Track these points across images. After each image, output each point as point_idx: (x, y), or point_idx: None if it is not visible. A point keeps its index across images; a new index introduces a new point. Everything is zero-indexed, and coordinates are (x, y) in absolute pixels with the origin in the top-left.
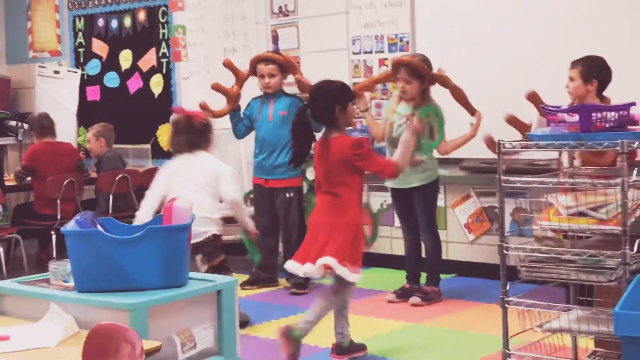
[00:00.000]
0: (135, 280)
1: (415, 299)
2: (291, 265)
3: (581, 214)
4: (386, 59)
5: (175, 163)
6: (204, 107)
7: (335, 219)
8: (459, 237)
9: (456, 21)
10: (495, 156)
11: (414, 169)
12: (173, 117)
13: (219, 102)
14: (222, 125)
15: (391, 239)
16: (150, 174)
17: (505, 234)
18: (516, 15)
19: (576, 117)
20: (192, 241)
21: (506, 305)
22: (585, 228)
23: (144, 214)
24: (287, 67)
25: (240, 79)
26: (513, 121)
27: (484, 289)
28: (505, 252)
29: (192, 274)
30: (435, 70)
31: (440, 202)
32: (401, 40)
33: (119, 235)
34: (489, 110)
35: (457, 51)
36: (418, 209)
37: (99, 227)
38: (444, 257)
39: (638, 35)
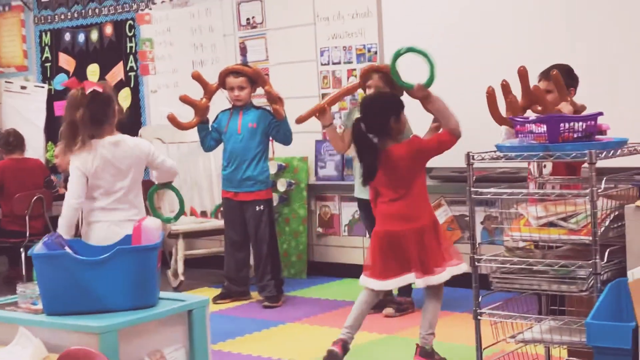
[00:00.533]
0: (105, 302)
1: (388, 310)
2: (397, 282)
3: (551, 224)
4: (354, 69)
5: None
6: (171, 119)
7: (423, 221)
8: None
9: (423, 31)
10: (464, 165)
11: None
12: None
13: (187, 115)
14: (191, 138)
15: (364, 249)
16: None
17: (477, 245)
18: (482, 26)
19: (544, 128)
20: None
21: (479, 317)
22: (556, 239)
23: None
24: (256, 79)
25: (209, 92)
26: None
27: (456, 298)
28: (477, 263)
29: (162, 294)
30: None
31: None
32: (369, 50)
33: (88, 256)
34: (461, 115)
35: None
36: None
37: (67, 249)
38: None
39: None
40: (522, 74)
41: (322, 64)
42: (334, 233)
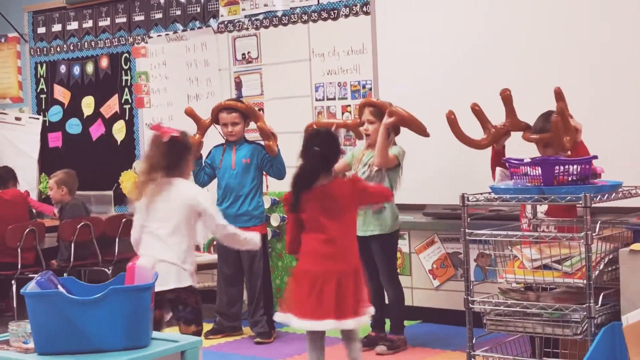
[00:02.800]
0: (97, 342)
1: (381, 348)
2: (323, 324)
3: (546, 266)
4: (349, 105)
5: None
6: None
7: (351, 264)
8: (423, 283)
9: (418, 68)
10: (458, 202)
11: (374, 216)
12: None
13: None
14: None
15: None
16: (113, 221)
17: (471, 286)
18: (478, 62)
19: (539, 170)
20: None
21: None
22: (550, 282)
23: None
24: (249, 114)
25: (202, 128)
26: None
27: (450, 336)
28: (471, 305)
29: (154, 333)
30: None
31: (404, 248)
32: (364, 87)
33: (80, 294)
34: (455, 153)
35: (421, 98)
36: (378, 258)
37: (60, 288)
38: (408, 303)
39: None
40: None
41: (316, 100)
42: None
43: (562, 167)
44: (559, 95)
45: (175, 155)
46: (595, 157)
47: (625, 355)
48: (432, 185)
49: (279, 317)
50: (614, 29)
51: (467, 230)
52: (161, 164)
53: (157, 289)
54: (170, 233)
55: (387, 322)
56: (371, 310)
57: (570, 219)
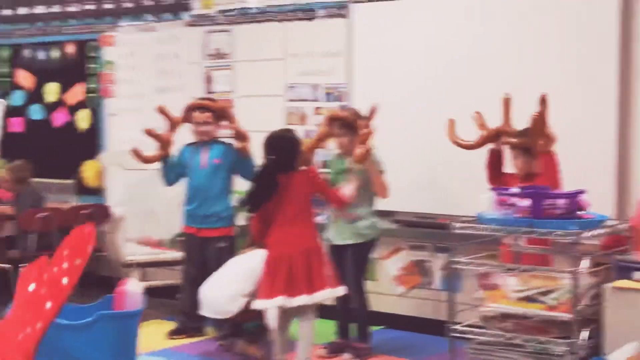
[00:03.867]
0: None
1: (347, 356)
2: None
3: (529, 298)
4: (322, 107)
5: None
6: (135, 153)
7: (303, 247)
8: (389, 289)
9: (394, 73)
10: (428, 210)
11: (348, 225)
12: None
13: (150, 142)
14: (152, 165)
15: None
16: (76, 212)
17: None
18: (453, 65)
19: (527, 202)
20: None
21: None
22: (534, 314)
23: None
24: (222, 115)
25: (174, 125)
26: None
27: (414, 344)
28: (453, 334)
29: (143, 358)
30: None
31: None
32: (338, 90)
33: (66, 316)
34: (427, 162)
35: (395, 103)
36: (349, 265)
37: None
38: (374, 309)
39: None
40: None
41: (289, 100)
42: None
43: (551, 200)
44: (543, 101)
45: None
46: (583, 191)
47: None
48: (402, 193)
49: (256, 304)
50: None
51: (452, 259)
52: None
53: None
54: None
55: (353, 328)
56: (337, 289)
57: (553, 249)
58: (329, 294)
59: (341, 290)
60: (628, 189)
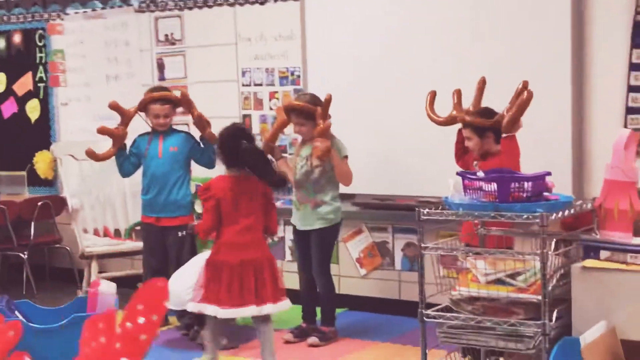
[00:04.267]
0: None
1: (313, 340)
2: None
3: (499, 280)
4: (277, 92)
5: None
6: (89, 153)
7: (265, 253)
8: (350, 271)
9: (348, 56)
10: (387, 192)
11: (313, 212)
12: None
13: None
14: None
15: (282, 272)
16: (29, 204)
17: (425, 300)
18: (408, 46)
19: (494, 186)
20: None
21: None
22: (504, 296)
23: None
24: (183, 105)
25: (127, 118)
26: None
27: (378, 325)
28: (425, 319)
29: None
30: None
31: None
32: (292, 74)
33: (38, 319)
34: (385, 144)
35: (349, 85)
36: (313, 249)
37: (17, 314)
38: (336, 291)
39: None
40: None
41: (243, 85)
42: None
43: (517, 184)
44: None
45: None
46: (549, 173)
47: None
48: (361, 175)
49: (192, 307)
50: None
51: (422, 245)
52: None
53: None
54: None
55: (319, 313)
56: (287, 301)
57: (517, 230)
58: (276, 309)
59: (286, 305)
60: (585, 168)
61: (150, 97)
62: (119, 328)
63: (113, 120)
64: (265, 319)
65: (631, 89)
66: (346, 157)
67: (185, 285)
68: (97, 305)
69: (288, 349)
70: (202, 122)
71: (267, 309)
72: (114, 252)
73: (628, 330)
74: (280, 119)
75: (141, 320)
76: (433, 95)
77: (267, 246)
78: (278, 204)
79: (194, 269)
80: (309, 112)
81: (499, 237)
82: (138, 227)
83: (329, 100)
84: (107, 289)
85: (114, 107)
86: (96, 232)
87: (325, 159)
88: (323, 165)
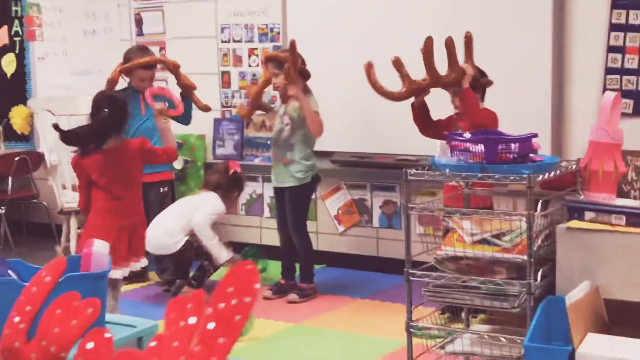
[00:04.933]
0: None
1: (292, 296)
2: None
3: (484, 240)
4: (256, 48)
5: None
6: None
7: (137, 218)
8: (328, 228)
9: (328, 13)
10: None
11: (285, 169)
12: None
13: (77, 87)
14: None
15: (261, 229)
16: (6, 159)
17: (410, 260)
18: (392, 4)
19: (481, 147)
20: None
21: (411, 330)
22: (490, 256)
23: None
24: (172, 72)
25: (112, 85)
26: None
27: (356, 282)
28: (411, 278)
29: (109, 317)
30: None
31: None
32: (272, 30)
33: (30, 278)
34: (364, 102)
35: (329, 41)
36: (287, 207)
37: (11, 273)
38: (315, 248)
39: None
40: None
41: (222, 41)
42: (231, 212)
43: (503, 145)
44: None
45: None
46: (535, 134)
47: (560, 329)
48: (340, 133)
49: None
50: None
51: (409, 205)
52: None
53: None
54: None
55: (298, 270)
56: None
57: (502, 190)
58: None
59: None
60: (564, 128)
61: (138, 63)
62: (210, 309)
63: (90, 76)
64: (117, 283)
65: (610, 49)
66: (316, 112)
67: (166, 229)
68: (91, 265)
69: (267, 305)
70: (188, 89)
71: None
72: None
73: (611, 289)
74: (265, 75)
75: (234, 301)
76: (370, 68)
77: (140, 210)
78: (256, 161)
79: (172, 214)
80: (284, 61)
81: (483, 197)
82: None
83: (292, 44)
84: (101, 248)
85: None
86: (74, 189)
87: (286, 99)
88: (292, 121)
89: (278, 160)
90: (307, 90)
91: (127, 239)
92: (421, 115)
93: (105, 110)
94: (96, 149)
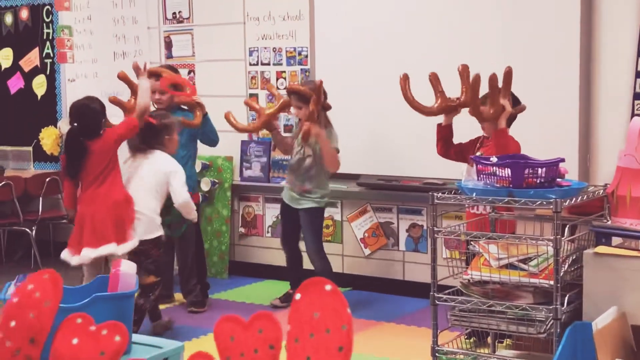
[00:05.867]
0: None
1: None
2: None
3: (511, 265)
4: (284, 72)
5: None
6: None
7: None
8: (354, 251)
9: (355, 36)
10: (391, 173)
11: (302, 194)
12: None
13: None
14: None
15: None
16: (36, 180)
17: (436, 284)
18: (416, 28)
19: (507, 171)
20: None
21: (437, 354)
22: (516, 281)
23: None
24: (176, 85)
25: (135, 92)
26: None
27: (382, 305)
28: (437, 302)
29: (136, 338)
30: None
31: (336, 216)
32: (300, 54)
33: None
34: (391, 125)
35: (356, 65)
36: (305, 230)
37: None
38: (339, 270)
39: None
40: (476, 80)
41: (250, 64)
42: (257, 234)
43: (530, 170)
44: (507, 74)
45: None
46: (563, 159)
47: (588, 354)
48: (366, 155)
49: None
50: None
51: (435, 228)
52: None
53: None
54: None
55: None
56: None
57: (529, 215)
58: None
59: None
60: (592, 153)
61: (150, 69)
62: (311, 333)
63: (120, 97)
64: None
65: (639, 74)
66: (337, 149)
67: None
68: (119, 285)
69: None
70: (189, 105)
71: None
72: None
73: (638, 315)
74: (285, 100)
75: (328, 331)
76: (406, 80)
77: (122, 192)
78: (283, 183)
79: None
80: (308, 97)
81: (510, 222)
82: None
83: (319, 85)
84: (129, 269)
85: (123, 77)
86: None
87: (307, 139)
88: (306, 145)
89: (294, 186)
90: (327, 123)
91: (90, 225)
92: (445, 136)
93: (75, 124)
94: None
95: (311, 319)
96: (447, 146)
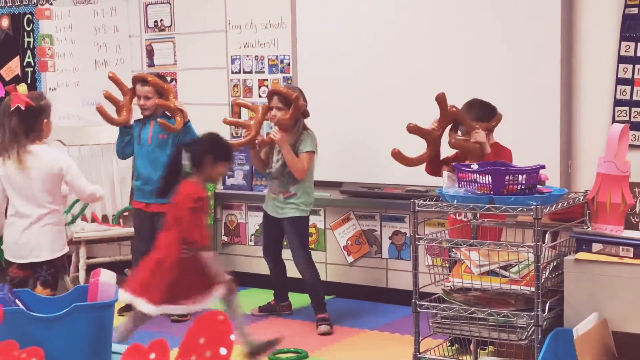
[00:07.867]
0: None
1: (324, 328)
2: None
3: (492, 272)
4: (266, 79)
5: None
6: (101, 110)
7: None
8: (337, 259)
9: (338, 45)
10: (374, 181)
11: (286, 201)
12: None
13: (91, 117)
14: (93, 140)
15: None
16: None
17: (418, 291)
18: (398, 37)
19: (488, 178)
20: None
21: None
22: (497, 288)
23: None
24: (160, 91)
25: (126, 93)
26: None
27: (366, 313)
28: (419, 309)
29: (115, 347)
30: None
31: (319, 224)
32: (282, 62)
33: (38, 309)
34: (373, 132)
35: (338, 73)
36: (291, 239)
37: (19, 302)
38: (323, 278)
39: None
40: (441, 99)
41: (232, 72)
42: (240, 242)
43: (511, 176)
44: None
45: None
46: (543, 166)
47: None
48: (349, 163)
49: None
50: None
51: (417, 235)
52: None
53: None
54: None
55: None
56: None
57: (510, 222)
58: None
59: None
60: (573, 160)
61: (134, 76)
62: None
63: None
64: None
65: (619, 81)
66: (311, 152)
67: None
68: (98, 295)
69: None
70: (171, 111)
71: None
72: (102, 237)
73: (620, 322)
74: (264, 106)
75: (208, 353)
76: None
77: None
78: (266, 191)
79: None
80: (290, 100)
81: (492, 228)
82: (126, 213)
83: (297, 97)
84: (108, 278)
85: (113, 78)
86: (84, 218)
87: (265, 146)
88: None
89: (278, 193)
90: (305, 128)
91: None
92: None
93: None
94: None
95: (197, 345)
96: (437, 167)
